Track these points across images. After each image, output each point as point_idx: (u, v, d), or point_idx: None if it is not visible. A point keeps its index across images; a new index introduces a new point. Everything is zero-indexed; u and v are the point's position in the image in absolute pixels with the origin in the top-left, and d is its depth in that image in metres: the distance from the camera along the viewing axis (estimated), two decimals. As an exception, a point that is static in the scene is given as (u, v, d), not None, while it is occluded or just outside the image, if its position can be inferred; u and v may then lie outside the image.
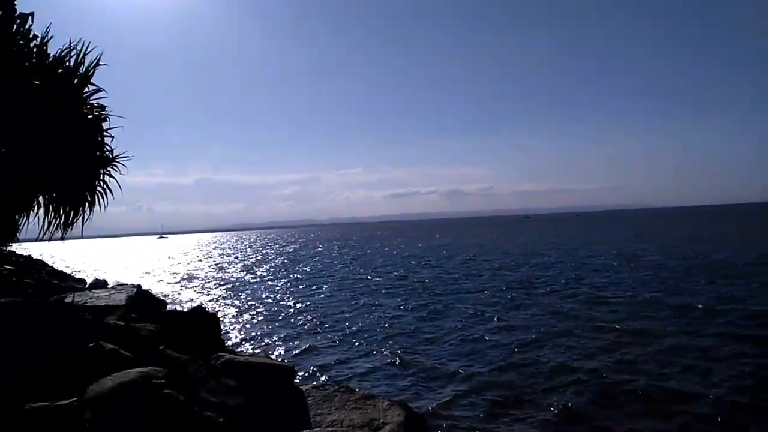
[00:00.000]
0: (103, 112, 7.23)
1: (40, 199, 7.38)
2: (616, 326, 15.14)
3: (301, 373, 12.10)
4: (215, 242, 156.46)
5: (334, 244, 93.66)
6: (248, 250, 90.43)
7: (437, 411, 9.55)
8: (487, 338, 15.01)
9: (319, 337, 16.76)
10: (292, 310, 22.69)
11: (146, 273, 45.98)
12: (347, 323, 18.83)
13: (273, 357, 12.49)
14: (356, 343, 15.53)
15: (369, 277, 34.16)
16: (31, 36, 6.27)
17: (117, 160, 7.68)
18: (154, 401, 3.49)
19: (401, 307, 21.54)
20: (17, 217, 7.72)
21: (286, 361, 10.46)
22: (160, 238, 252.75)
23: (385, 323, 18.43)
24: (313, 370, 12.71)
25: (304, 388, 6.32)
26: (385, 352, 14.20)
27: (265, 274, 41.63)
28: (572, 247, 49.18)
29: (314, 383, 6.89)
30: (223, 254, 78.99)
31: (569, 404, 9.53)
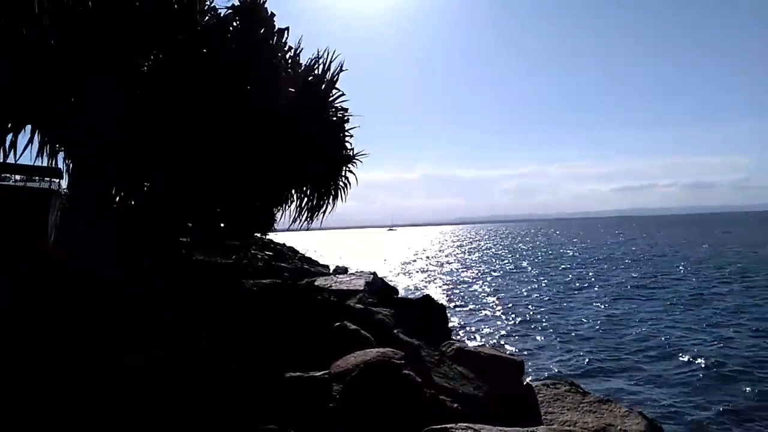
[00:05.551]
0: (346, 114, 7.93)
1: (293, 192, 8.42)
2: None
3: (528, 369, 11.85)
4: (438, 235, 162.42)
5: (559, 240, 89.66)
6: (469, 244, 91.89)
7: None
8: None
9: (541, 335, 16.23)
10: (512, 306, 22.30)
11: (378, 261, 49.81)
12: (573, 324, 17.83)
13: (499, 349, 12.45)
14: (586, 346, 14.57)
15: (599, 278, 31.89)
16: (286, 48, 7.16)
17: (356, 158, 8.37)
18: (395, 380, 3.67)
19: (633, 315, 19.57)
20: (274, 210, 8.94)
21: (513, 354, 10.27)
22: (389, 230, 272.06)
23: (622, 329, 16.94)
24: (537, 368, 12.31)
25: (533, 384, 6.09)
26: (620, 360, 13.08)
27: (483, 268, 41.76)
28: None
29: (544, 381, 6.61)
30: (444, 247, 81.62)
31: None
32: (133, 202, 7.11)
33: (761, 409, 9.36)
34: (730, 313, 17.88)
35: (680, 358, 12.59)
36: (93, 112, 5.39)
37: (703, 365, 11.94)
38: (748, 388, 10.31)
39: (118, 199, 6.49)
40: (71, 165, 6.15)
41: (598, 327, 16.89)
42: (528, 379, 6.45)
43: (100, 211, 5.90)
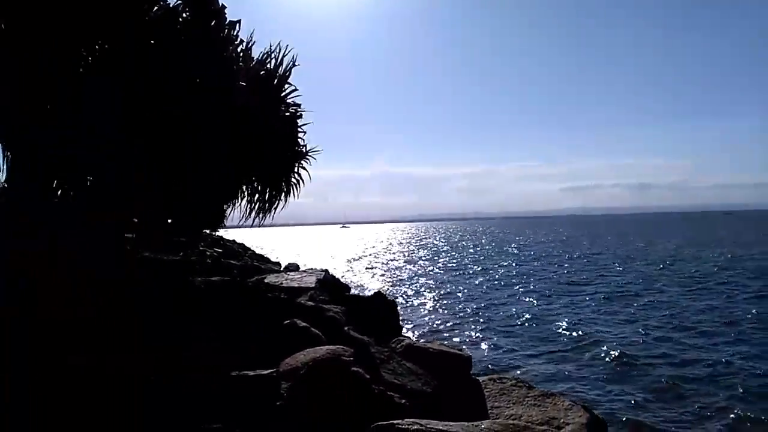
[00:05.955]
0: (298, 110, 7.87)
1: (244, 188, 8.29)
2: None
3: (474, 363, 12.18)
4: (390, 233, 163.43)
5: (510, 239, 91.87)
6: (419, 241, 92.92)
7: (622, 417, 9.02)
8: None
9: (482, 329, 16.82)
10: (463, 301, 22.80)
11: (331, 259, 49.74)
12: (514, 318, 18.48)
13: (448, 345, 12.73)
14: (526, 340, 15.17)
15: (545, 275, 32.92)
16: (237, 42, 7.04)
17: (309, 154, 8.33)
18: (343, 377, 3.70)
19: (576, 309, 20.41)
20: (225, 206, 8.77)
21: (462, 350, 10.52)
22: (342, 227, 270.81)
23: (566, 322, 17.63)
24: (485, 362, 12.66)
25: (480, 379, 6.23)
26: (560, 351, 13.63)
27: (431, 265, 42.36)
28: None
29: (491, 375, 6.76)
30: (396, 244, 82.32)
31: None
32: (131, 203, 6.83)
33: (682, 397, 10.11)
34: (657, 309, 18.99)
35: (611, 351, 13.22)
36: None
37: (633, 356, 12.72)
38: (665, 380, 11.04)
39: (60, 192, 6.20)
40: (10, 157, 5.84)
41: (535, 322, 17.62)
42: (473, 373, 6.59)
43: (40, 205, 5.64)
